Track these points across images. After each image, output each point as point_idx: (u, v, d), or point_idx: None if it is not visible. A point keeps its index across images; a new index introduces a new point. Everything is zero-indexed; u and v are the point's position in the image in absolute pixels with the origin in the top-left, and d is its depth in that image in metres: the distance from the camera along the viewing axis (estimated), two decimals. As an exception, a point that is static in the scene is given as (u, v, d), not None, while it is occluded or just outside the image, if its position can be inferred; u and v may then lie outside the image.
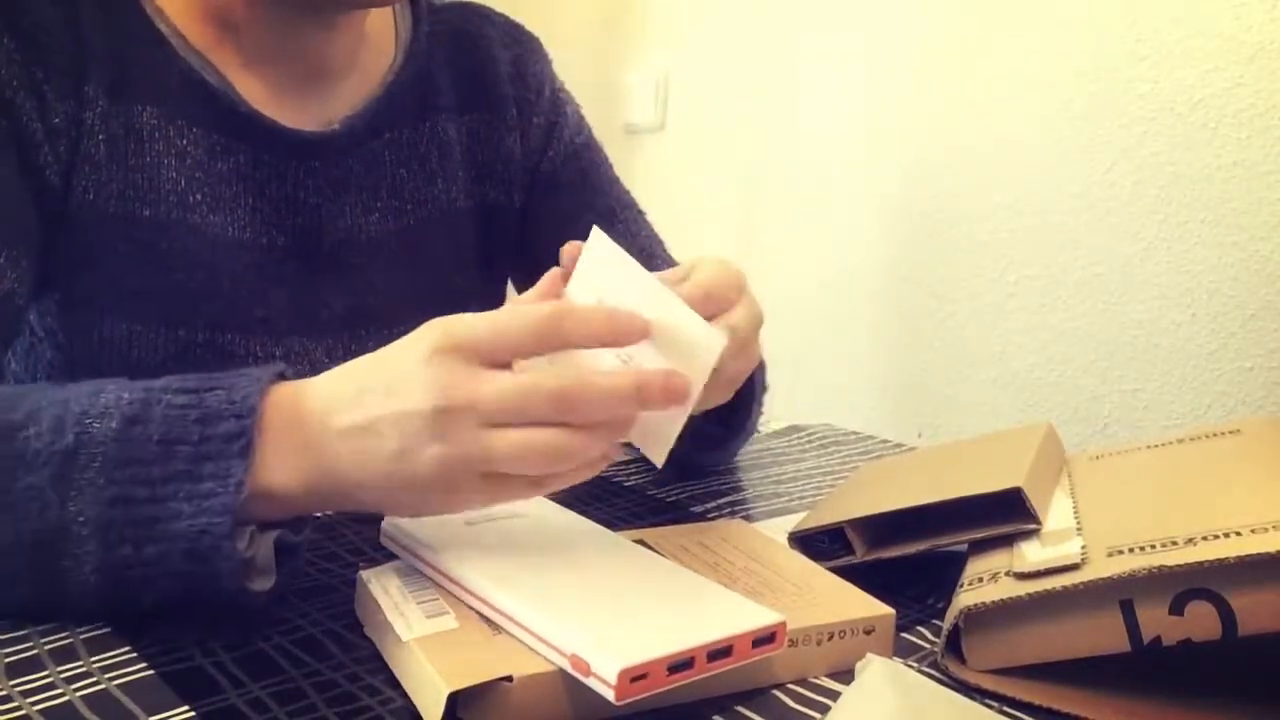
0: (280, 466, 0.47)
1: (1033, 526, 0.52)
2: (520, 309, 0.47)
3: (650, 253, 0.84)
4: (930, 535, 0.55)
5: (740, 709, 0.44)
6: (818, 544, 0.58)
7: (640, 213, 0.87)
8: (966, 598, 0.47)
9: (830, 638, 0.47)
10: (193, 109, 0.68)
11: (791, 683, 0.46)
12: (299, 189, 0.72)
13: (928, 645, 0.51)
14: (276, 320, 0.72)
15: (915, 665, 0.48)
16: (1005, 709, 0.45)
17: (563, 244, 0.54)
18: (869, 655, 0.44)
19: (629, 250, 0.51)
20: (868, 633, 0.48)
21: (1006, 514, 0.53)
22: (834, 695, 0.45)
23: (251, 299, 0.71)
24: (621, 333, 0.47)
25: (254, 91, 0.71)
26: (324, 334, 0.74)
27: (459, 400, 0.45)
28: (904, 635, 0.52)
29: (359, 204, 0.75)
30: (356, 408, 0.47)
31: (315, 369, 0.72)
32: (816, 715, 0.44)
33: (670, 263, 0.80)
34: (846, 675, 0.46)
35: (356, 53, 0.75)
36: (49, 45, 0.63)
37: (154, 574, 0.46)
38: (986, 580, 0.48)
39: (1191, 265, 1.08)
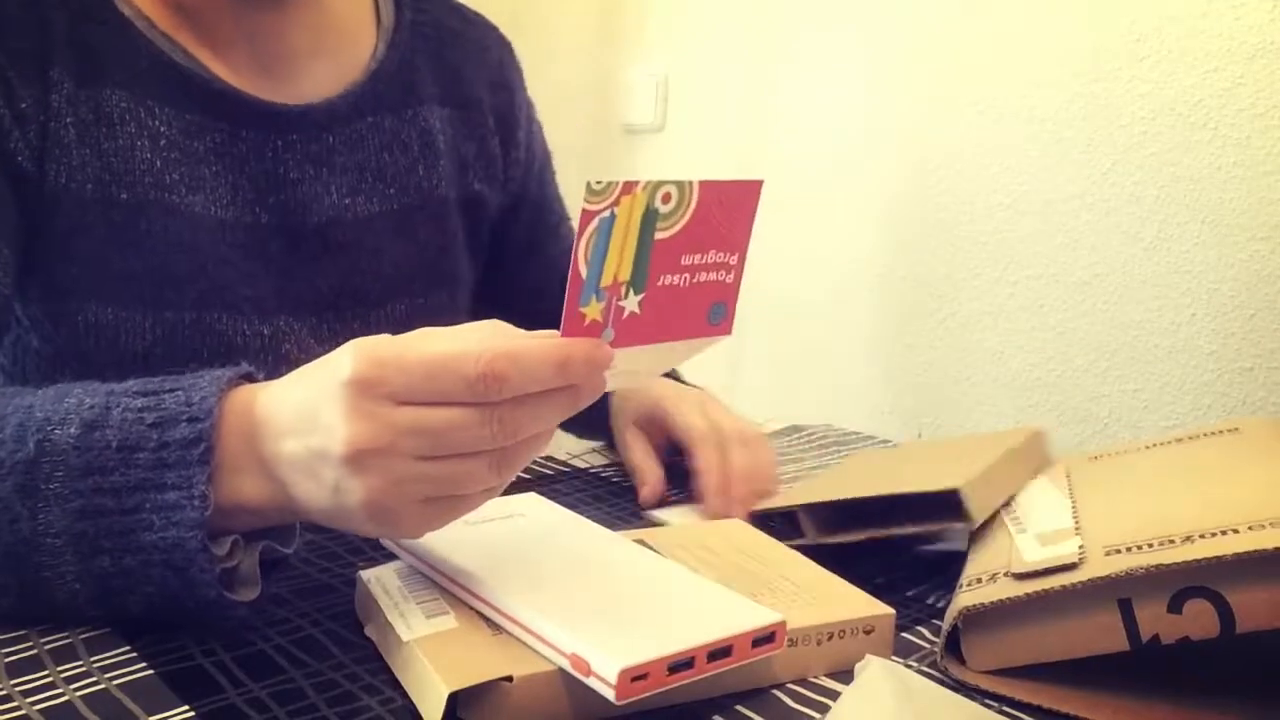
0: (244, 479, 0.46)
1: (959, 525, 0.55)
2: (459, 357, 0.42)
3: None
4: (874, 525, 0.58)
5: (740, 709, 0.44)
6: (771, 525, 0.62)
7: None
8: (966, 598, 0.47)
9: (830, 638, 0.47)
10: (164, 90, 0.68)
11: (791, 683, 0.46)
12: (279, 164, 0.72)
13: (928, 645, 0.51)
14: (263, 299, 0.71)
15: (915, 665, 0.48)
16: (1005, 709, 0.45)
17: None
18: (868, 656, 0.44)
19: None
20: (867, 633, 0.48)
21: (954, 511, 0.55)
22: (834, 695, 0.45)
23: (237, 278, 0.70)
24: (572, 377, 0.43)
25: (222, 72, 0.70)
26: (311, 314, 0.73)
27: (378, 444, 0.42)
28: (904, 635, 0.52)
29: (344, 185, 0.75)
30: (292, 434, 0.45)
31: (303, 348, 0.72)
32: (816, 715, 0.44)
33: None
34: (846, 675, 0.46)
35: (322, 35, 0.74)
36: (10, 30, 0.63)
37: (135, 582, 0.46)
38: (985, 580, 0.48)
39: (1191, 265, 1.08)
